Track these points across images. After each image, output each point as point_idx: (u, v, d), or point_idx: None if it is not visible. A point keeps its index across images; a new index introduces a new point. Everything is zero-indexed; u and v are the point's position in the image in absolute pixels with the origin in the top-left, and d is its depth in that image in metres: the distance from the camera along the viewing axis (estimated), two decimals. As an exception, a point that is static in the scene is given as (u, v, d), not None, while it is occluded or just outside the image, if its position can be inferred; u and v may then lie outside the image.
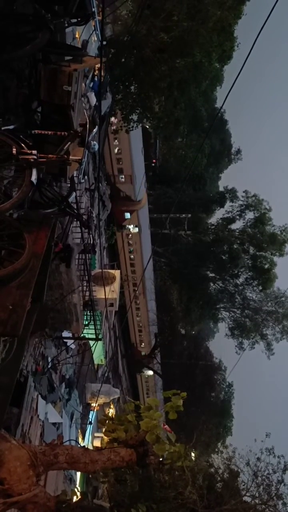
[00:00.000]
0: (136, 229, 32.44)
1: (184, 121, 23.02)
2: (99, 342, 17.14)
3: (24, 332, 5.88)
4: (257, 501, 11.24)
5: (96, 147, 6.94)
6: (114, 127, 23.52)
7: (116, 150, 27.53)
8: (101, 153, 21.95)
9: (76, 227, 10.42)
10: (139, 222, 31.84)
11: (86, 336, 14.29)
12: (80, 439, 18.82)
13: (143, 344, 40.99)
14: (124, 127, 20.04)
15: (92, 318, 13.01)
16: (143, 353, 42.14)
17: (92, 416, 21.05)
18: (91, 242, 11.65)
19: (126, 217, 30.95)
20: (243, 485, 11.87)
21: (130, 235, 33.02)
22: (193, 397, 32.99)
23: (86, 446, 5.21)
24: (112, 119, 22.61)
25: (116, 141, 27.23)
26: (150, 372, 42.22)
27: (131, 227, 32.32)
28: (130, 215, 30.83)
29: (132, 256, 33.79)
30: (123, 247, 32.52)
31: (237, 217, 40.46)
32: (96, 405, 21.39)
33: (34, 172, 5.87)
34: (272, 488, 11.44)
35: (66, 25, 7.96)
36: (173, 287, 40.04)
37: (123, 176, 28.76)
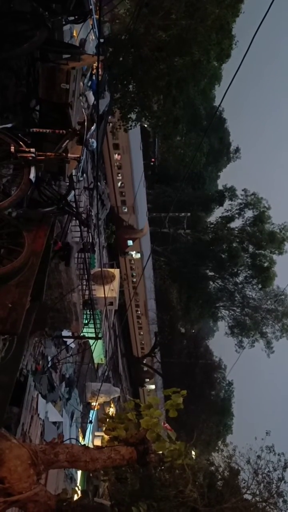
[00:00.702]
0: (138, 255, 34.03)
1: (183, 120, 23.00)
2: (99, 341, 17.14)
3: (24, 331, 5.87)
4: (257, 499, 11.25)
5: (95, 145, 6.92)
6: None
7: (119, 184, 29.66)
8: (99, 153, 21.93)
9: (75, 225, 10.41)
10: (141, 249, 33.42)
11: (86, 335, 14.28)
12: (80, 438, 18.83)
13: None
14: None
15: (91, 317, 13.00)
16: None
17: (92, 415, 21.05)
18: (90, 240, 11.63)
19: (128, 244, 32.53)
20: (244, 483, 11.90)
21: (133, 260, 34.67)
22: (193, 396, 33.01)
23: (86, 445, 5.21)
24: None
25: (119, 175, 29.33)
26: (152, 386, 42.01)
27: (133, 253, 33.89)
28: (133, 242, 32.40)
29: (134, 280, 35.22)
30: (126, 272, 34.23)
31: (236, 215, 40.48)
32: (97, 404, 21.40)
33: (33, 170, 5.85)
34: (273, 486, 11.46)
35: (64, 23, 7.94)
36: (173, 286, 40.06)
37: (126, 207, 30.58)
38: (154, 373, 41.23)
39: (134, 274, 35.14)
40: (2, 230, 5.75)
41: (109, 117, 22.03)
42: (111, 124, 23.93)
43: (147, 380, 39.89)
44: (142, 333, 40.40)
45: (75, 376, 19.14)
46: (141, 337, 41.13)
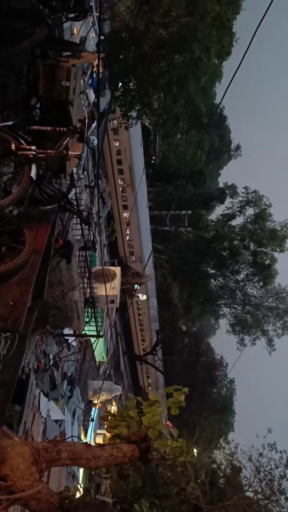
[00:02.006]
0: (145, 297, 38.12)
1: (183, 118, 23.00)
2: (100, 339, 17.14)
3: (25, 329, 5.87)
4: (259, 496, 11.25)
5: (95, 142, 6.90)
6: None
7: (127, 238, 33.62)
8: (100, 151, 21.92)
9: (76, 223, 10.40)
10: (147, 291, 37.53)
11: (87, 333, 14.28)
12: (82, 436, 18.86)
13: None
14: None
15: (93, 315, 13.00)
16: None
17: (94, 413, 21.07)
18: (91, 238, 11.62)
19: (136, 288, 36.20)
20: (246, 480, 11.89)
21: (139, 302, 38.70)
22: (194, 394, 33.03)
23: (88, 443, 5.20)
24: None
25: (128, 230, 33.02)
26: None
27: (140, 295, 37.78)
28: (139, 286, 36.01)
29: (140, 318, 39.59)
30: (133, 313, 38.95)
31: (237, 213, 40.45)
32: (98, 402, 21.42)
33: (34, 167, 5.83)
34: (275, 483, 11.44)
35: (64, 20, 7.91)
36: (174, 284, 40.06)
37: (134, 257, 34.70)
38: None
39: (140, 313, 39.59)
40: (3, 228, 5.73)
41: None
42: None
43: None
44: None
45: (77, 374, 19.16)
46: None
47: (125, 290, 34.28)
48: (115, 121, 24.18)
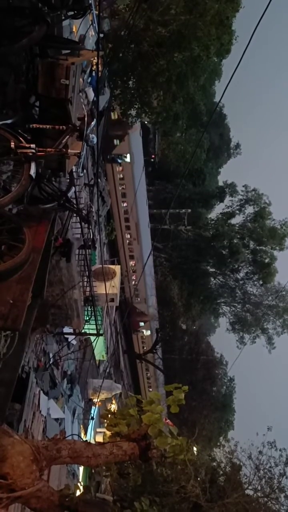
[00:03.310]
0: (148, 332, 41.52)
1: (183, 116, 23.01)
2: (100, 337, 17.16)
3: (25, 327, 5.87)
4: (259, 494, 11.26)
5: (95, 140, 6.89)
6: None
7: (133, 282, 36.42)
8: (100, 149, 21.90)
9: (76, 222, 10.39)
10: (150, 327, 40.78)
11: (87, 332, 14.28)
12: (82, 435, 18.87)
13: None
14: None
15: (93, 314, 13.00)
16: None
17: (94, 411, 21.09)
18: (91, 237, 11.62)
19: (140, 325, 40.73)
20: (245, 478, 11.90)
21: (144, 336, 42.38)
22: (194, 392, 33.05)
23: (88, 441, 5.21)
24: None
25: (133, 282, 36.14)
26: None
27: (144, 331, 41.53)
28: (144, 324, 40.56)
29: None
30: (138, 345, 43.00)
31: (237, 211, 40.45)
32: (98, 400, 21.43)
33: (33, 166, 5.83)
34: (274, 481, 11.46)
35: (63, 18, 7.89)
36: (174, 283, 40.05)
37: (139, 299, 38.14)
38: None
39: (145, 345, 42.94)
40: (3, 226, 5.73)
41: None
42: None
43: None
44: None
45: (77, 373, 19.17)
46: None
47: (129, 327, 39.86)
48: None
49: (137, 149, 30.38)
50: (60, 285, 9.66)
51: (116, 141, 28.22)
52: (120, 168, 29.82)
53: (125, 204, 31.72)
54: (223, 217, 41.13)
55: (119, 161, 29.35)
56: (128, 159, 29.21)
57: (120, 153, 28.88)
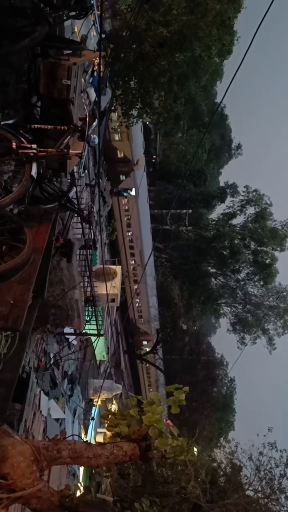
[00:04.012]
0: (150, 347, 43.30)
1: (184, 116, 23.04)
2: (101, 338, 17.15)
3: (26, 327, 5.86)
4: (259, 495, 11.25)
5: (96, 140, 6.90)
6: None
7: (137, 304, 39.62)
8: (101, 150, 21.91)
9: (77, 222, 10.40)
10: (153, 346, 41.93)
11: (88, 332, 14.29)
12: (83, 435, 18.87)
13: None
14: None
15: (93, 314, 13.00)
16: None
17: (94, 411, 21.08)
18: (92, 237, 11.63)
19: (143, 344, 43.86)
20: (246, 479, 11.88)
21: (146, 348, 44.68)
22: (195, 393, 33.00)
23: (89, 442, 5.21)
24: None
25: (138, 300, 38.71)
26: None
27: (147, 349, 43.44)
28: (147, 343, 43.66)
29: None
30: (142, 369, 45.69)
31: (238, 212, 40.43)
32: (99, 401, 21.42)
33: (34, 166, 5.83)
34: (275, 482, 11.44)
35: (65, 18, 7.89)
36: (174, 283, 40.04)
37: (142, 320, 41.09)
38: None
39: (148, 366, 45.11)
40: (4, 227, 5.72)
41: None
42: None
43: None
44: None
45: (77, 373, 19.16)
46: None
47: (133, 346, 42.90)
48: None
49: (142, 184, 32.38)
50: (61, 285, 9.66)
51: (122, 177, 30.37)
52: (126, 200, 31.99)
53: (130, 233, 34.06)
54: (224, 217, 41.11)
55: (125, 194, 31.58)
56: (133, 193, 31.27)
57: (126, 187, 31.08)
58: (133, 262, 35.42)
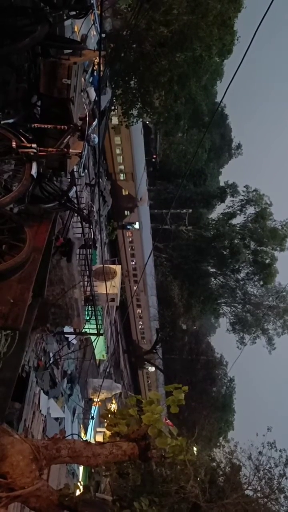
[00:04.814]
0: (153, 368, 44.30)
1: (184, 116, 23.04)
2: (101, 337, 17.15)
3: (26, 326, 5.87)
4: (259, 494, 11.27)
5: (96, 140, 6.90)
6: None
7: (140, 326, 42.08)
8: (101, 149, 21.92)
9: (77, 222, 10.39)
10: (156, 369, 43.53)
11: (88, 332, 14.28)
12: (82, 434, 18.87)
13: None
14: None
15: (93, 313, 13.00)
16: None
17: (94, 411, 21.09)
18: (92, 237, 11.62)
19: (145, 362, 43.99)
20: (245, 479, 11.91)
21: (149, 372, 45.82)
22: (194, 392, 33.03)
23: (88, 441, 5.21)
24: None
25: (140, 322, 41.01)
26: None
27: (149, 367, 44.57)
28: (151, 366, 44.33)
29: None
30: (143, 380, 46.48)
31: (238, 212, 40.39)
32: (98, 400, 21.43)
33: (34, 165, 5.83)
34: (274, 482, 11.46)
35: (65, 18, 7.89)
36: (174, 283, 40.04)
37: (145, 340, 42.46)
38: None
39: (149, 380, 46.49)
40: (4, 226, 5.73)
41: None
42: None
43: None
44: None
45: (77, 372, 19.17)
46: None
47: (136, 364, 43.92)
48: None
49: (145, 218, 35.20)
50: (60, 284, 9.67)
51: (126, 212, 33.39)
52: (130, 233, 34.76)
53: (133, 262, 36.76)
54: (224, 217, 41.08)
55: (129, 227, 34.52)
56: (137, 226, 34.09)
57: (130, 221, 34.06)
58: (136, 288, 37.21)
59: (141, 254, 35.53)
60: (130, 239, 34.63)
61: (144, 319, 40.34)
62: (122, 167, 30.18)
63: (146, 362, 43.13)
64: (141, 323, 41.05)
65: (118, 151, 29.63)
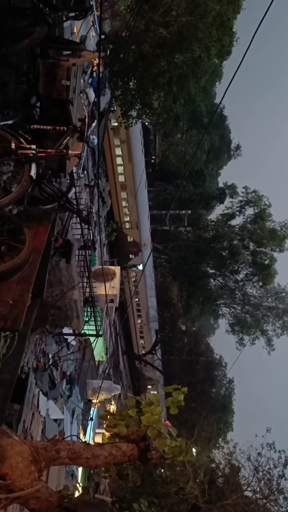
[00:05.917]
0: (155, 392, 43.92)
1: (183, 117, 23.01)
2: (100, 338, 17.14)
3: (25, 327, 5.86)
4: (258, 495, 11.26)
5: (95, 141, 6.91)
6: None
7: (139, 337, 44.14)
8: (100, 150, 21.91)
9: (76, 223, 10.40)
10: (157, 389, 44.71)
11: (87, 333, 14.27)
12: (81, 435, 18.85)
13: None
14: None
15: (92, 315, 13.00)
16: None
17: (93, 412, 21.07)
18: (91, 238, 11.63)
19: (148, 387, 46.86)
20: (244, 480, 11.90)
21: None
22: (194, 393, 33.01)
23: (87, 442, 5.21)
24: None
25: (142, 334, 43.39)
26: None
27: (153, 391, 45.35)
28: (151, 386, 46.73)
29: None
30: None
31: (237, 213, 40.40)
32: (97, 401, 21.41)
33: (33, 166, 5.83)
34: (273, 483, 11.46)
35: (65, 19, 7.90)
36: (173, 284, 40.02)
37: (147, 374, 45.11)
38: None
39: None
40: (3, 227, 5.72)
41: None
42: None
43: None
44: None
45: (76, 374, 19.16)
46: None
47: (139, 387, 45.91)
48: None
49: (148, 262, 37.98)
50: (60, 285, 9.66)
51: (131, 256, 36.64)
52: (134, 273, 38.02)
53: (137, 299, 39.80)
54: (223, 218, 41.09)
55: (133, 268, 37.98)
56: (140, 267, 37.22)
57: (134, 263, 37.50)
58: (139, 321, 41.17)
59: (144, 293, 39.02)
60: (134, 278, 38.16)
61: (145, 344, 43.39)
62: (128, 218, 34.84)
63: (149, 386, 45.87)
64: (142, 342, 44.02)
65: (124, 200, 33.63)
